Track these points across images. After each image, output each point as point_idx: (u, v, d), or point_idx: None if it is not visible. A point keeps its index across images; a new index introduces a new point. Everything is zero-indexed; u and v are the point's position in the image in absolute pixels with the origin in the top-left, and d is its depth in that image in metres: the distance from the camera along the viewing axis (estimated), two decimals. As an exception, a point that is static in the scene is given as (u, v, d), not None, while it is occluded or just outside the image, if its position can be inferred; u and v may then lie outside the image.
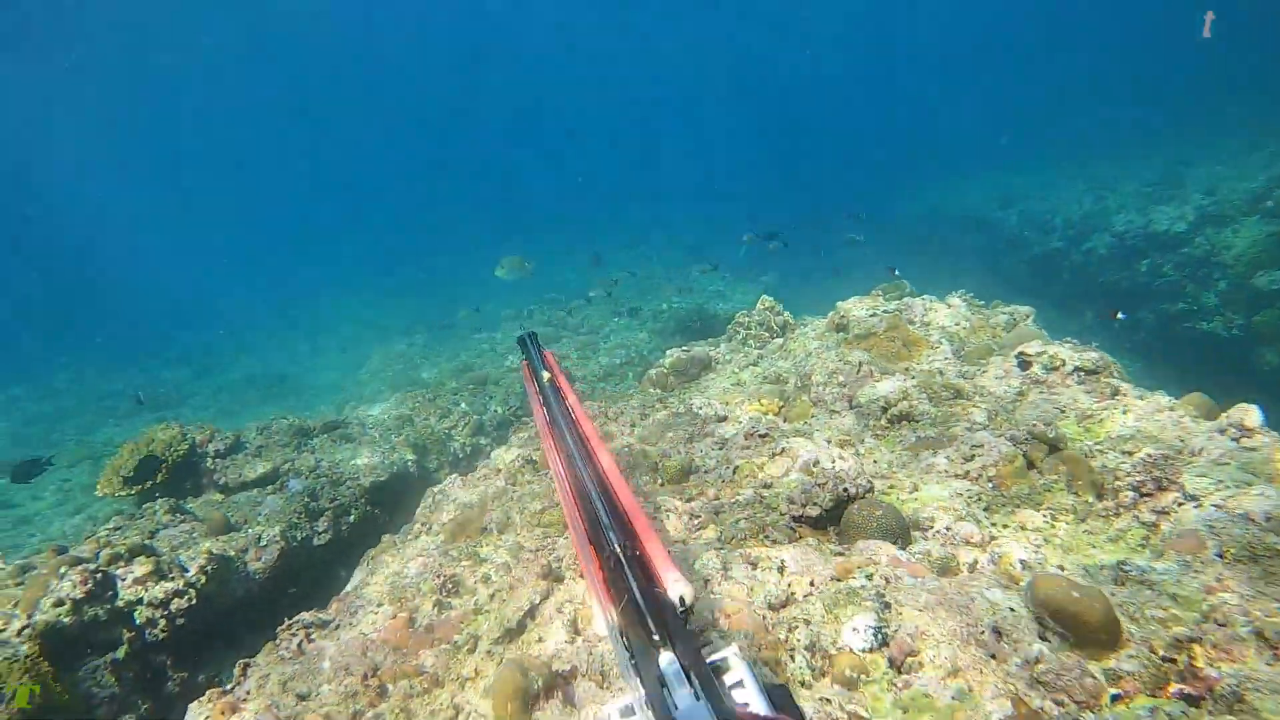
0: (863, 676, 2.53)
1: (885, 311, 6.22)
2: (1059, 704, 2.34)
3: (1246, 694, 2.20)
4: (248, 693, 3.15)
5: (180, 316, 28.67)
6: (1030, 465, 4.03)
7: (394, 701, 2.79)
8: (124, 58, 44.07)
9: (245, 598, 5.65)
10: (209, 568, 5.29)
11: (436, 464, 7.64)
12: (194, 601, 5.09)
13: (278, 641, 3.49)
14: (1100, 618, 2.52)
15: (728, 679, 1.05)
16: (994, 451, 4.03)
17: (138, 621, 4.93)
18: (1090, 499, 3.75)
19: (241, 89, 58.76)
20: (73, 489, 11.38)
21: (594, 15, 60.38)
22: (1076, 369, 4.75)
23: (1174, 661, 2.41)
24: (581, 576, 3.03)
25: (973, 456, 4.07)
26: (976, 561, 3.25)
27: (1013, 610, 2.71)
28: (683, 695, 0.93)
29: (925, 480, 4.03)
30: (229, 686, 3.22)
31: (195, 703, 3.16)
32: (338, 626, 3.46)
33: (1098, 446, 4.07)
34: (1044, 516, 3.67)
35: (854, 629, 2.67)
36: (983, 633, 2.62)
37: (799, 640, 2.69)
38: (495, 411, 8.87)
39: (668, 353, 6.84)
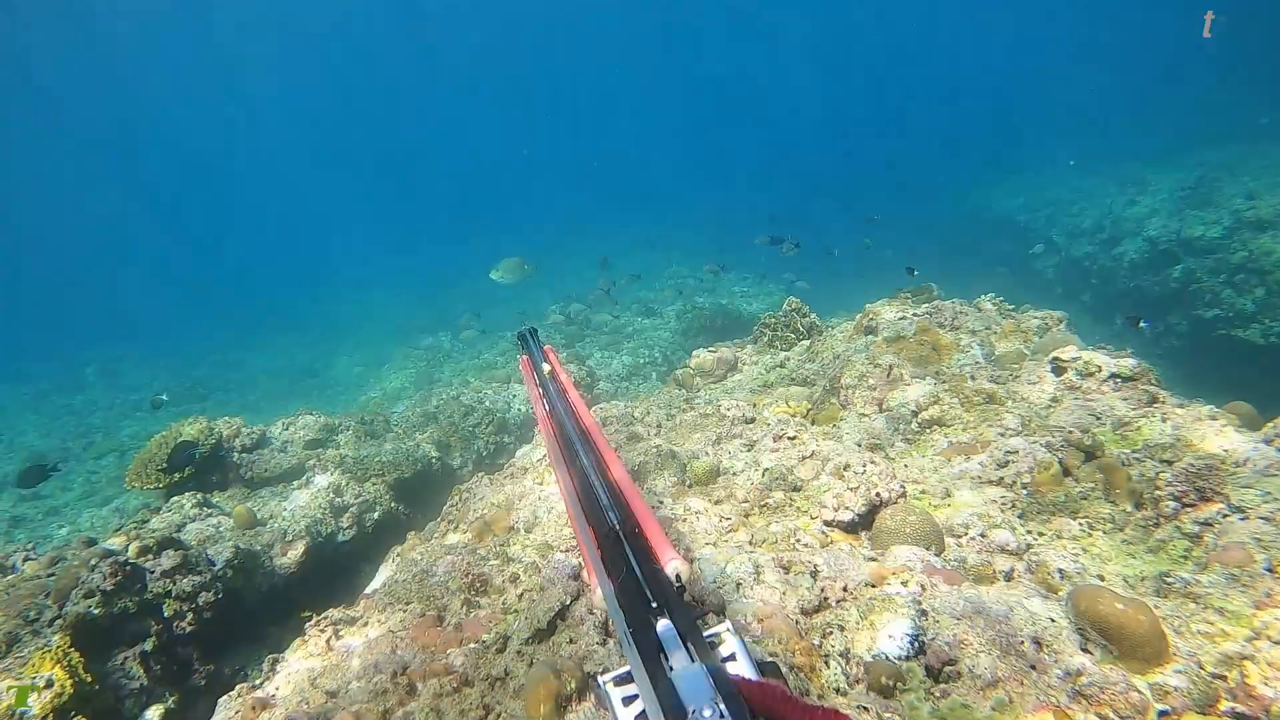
0: (899, 685, 2.48)
1: (915, 315, 6.15)
2: (1102, 718, 2.29)
3: (1304, 714, 2.14)
4: (276, 688, 3.15)
5: (206, 312, 29.04)
6: (1066, 472, 3.96)
7: (424, 700, 2.77)
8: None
9: (270, 592, 5.69)
10: (236, 562, 5.33)
11: (460, 461, 7.64)
12: (221, 595, 5.12)
13: (306, 637, 3.50)
14: (1145, 631, 2.46)
15: (721, 651, 1.10)
16: (1029, 458, 3.96)
17: (166, 614, 4.97)
18: (1128, 508, 3.68)
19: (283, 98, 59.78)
20: (100, 481, 11.54)
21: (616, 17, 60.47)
22: (1113, 375, 4.65)
23: (1224, 679, 2.34)
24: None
25: (1007, 463, 3.99)
26: (1013, 570, 3.19)
27: (1053, 621, 2.65)
28: (678, 658, 0.95)
29: (958, 486, 3.97)
30: (258, 682, 3.23)
31: (225, 697, 3.16)
32: (366, 624, 3.45)
33: (1135, 455, 3.98)
34: (1081, 525, 3.60)
35: (890, 636, 2.62)
36: (1022, 643, 2.56)
37: (834, 646, 2.65)
38: (518, 410, 8.88)
39: (694, 353, 6.81)
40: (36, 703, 4.00)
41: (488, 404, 8.71)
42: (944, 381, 4.99)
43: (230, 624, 5.28)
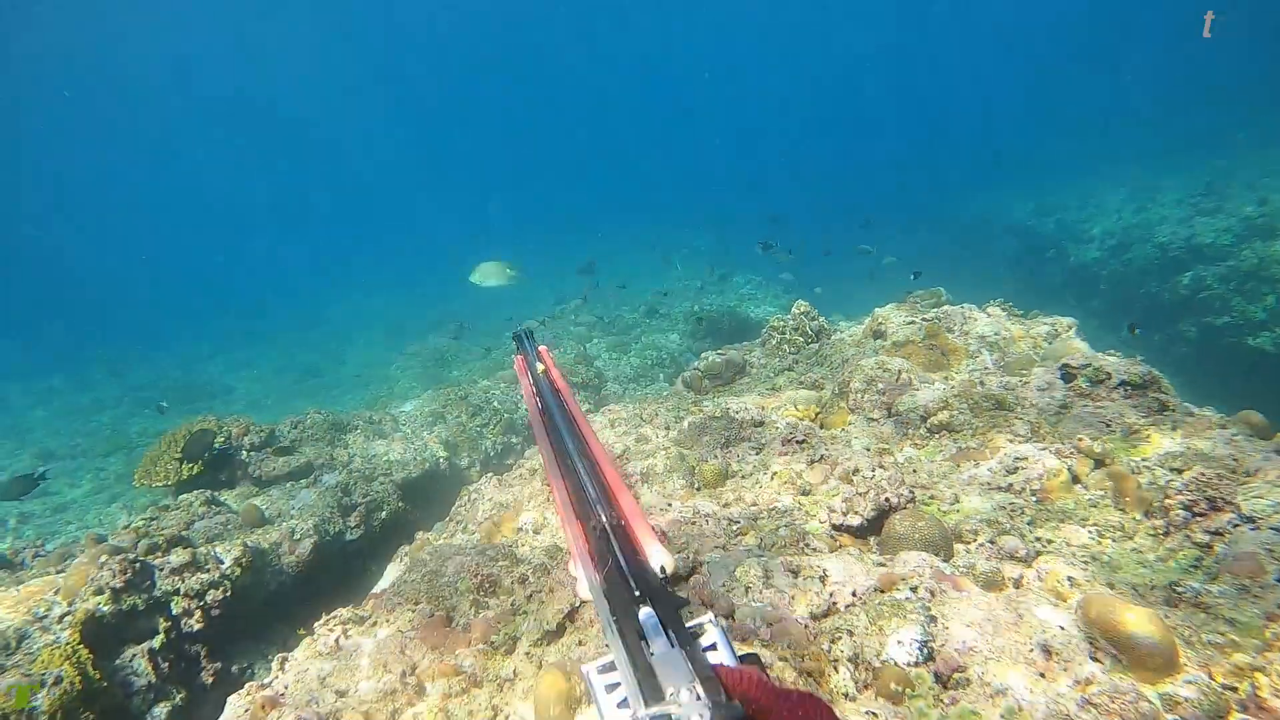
0: (908, 691, 2.48)
1: (924, 319, 6.14)
2: (1112, 727, 2.28)
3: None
4: (286, 687, 3.16)
5: (215, 310, 29.16)
6: (1075, 480, 3.95)
7: (433, 701, 2.79)
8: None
9: (278, 591, 5.70)
10: (244, 560, 5.34)
11: (468, 461, 7.66)
12: (229, 593, 5.14)
13: (315, 636, 3.51)
14: (1156, 641, 2.45)
15: (703, 641, 1.11)
16: (1038, 465, 3.96)
17: (174, 612, 4.99)
18: (1138, 516, 3.67)
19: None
20: (108, 478, 11.59)
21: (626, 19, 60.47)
22: (1123, 383, 4.64)
23: (1235, 690, 2.34)
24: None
25: (1016, 469, 3.99)
26: (1023, 577, 3.18)
27: (1063, 629, 2.65)
28: (659, 643, 0.97)
29: (967, 492, 3.96)
30: (268, 680, 3.24)
31: (234, 695, 3.18)
32: (375, 623, 3.46)
33: (1145, 463, 3.98)
34: (1090, 533, 3.59)
35: (899, 642, 2.62)
36: (1031, 651, 2.56)
37: (842, 651, 2.64)
38: (526, 410, 8.85)
39: (702, 355, 6.80)
40: (45, 699, 4.03)
41: (495, 404, 8.73)
42: (953, 387, 4.98)
43: (238, 622, 5.30)
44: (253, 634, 5.54)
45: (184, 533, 5.57)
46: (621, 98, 74.66)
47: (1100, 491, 3.83)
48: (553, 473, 1.73)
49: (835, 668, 2.59)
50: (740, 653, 1.12)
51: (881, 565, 3.17)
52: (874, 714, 2.37)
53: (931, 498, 3.95)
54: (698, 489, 4.29)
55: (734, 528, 3.60)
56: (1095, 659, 2.52)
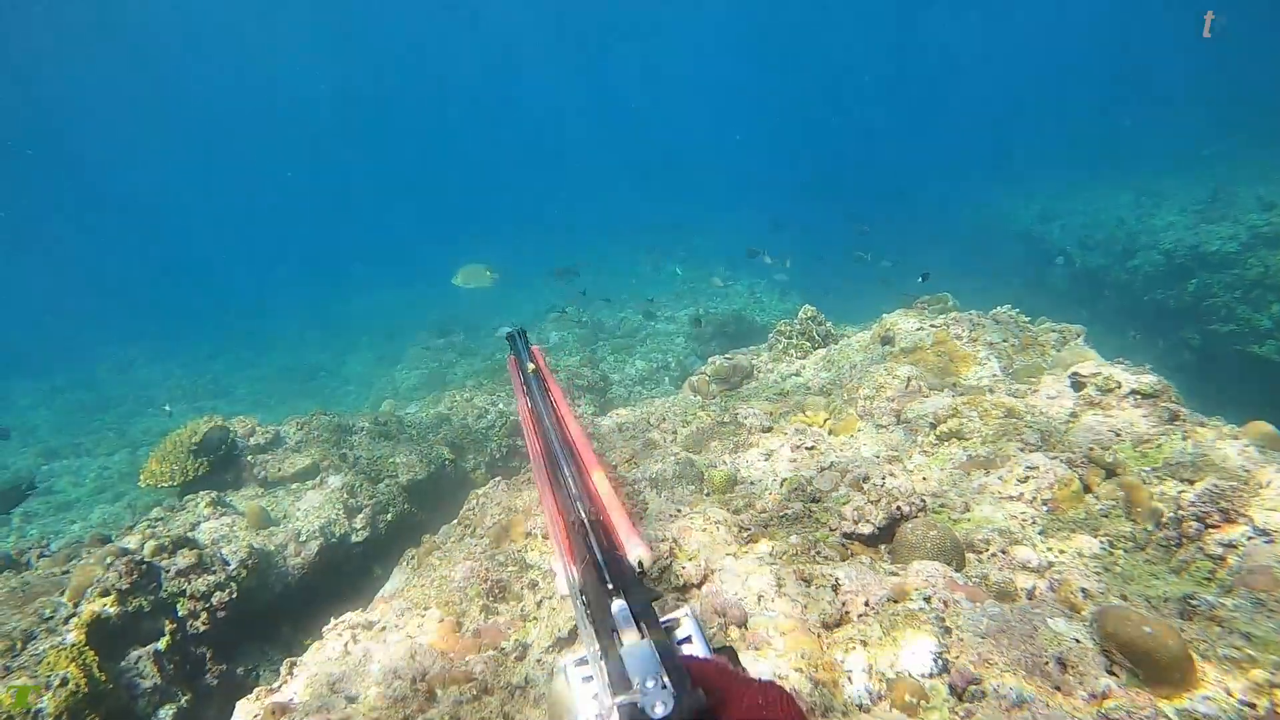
0: (923, 703, 2.47)
1: (932, 325, 6.13)
2: (1129, 742, 2.27)
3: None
4: (295, 692, 3.15)
5: (221, 309, 29.17)
6: (1087, 489, 3.94)
7: (443, 708, 2.78)
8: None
9: (284, 593, 5.70)
10: (250, 562, 5.34)
11: (473, 463, 7.64)
12: (235, 595, 5.13)
13: (324, 641, 3.50)
14: (1173, 655, 2.44)
15: (678, 634, 1.15)
16: (1049, 474, 3.94)
17: (180, 613, 4.98)
18: (1149, 527, 3.65)
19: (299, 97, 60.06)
20: (112, 477, 11.59)
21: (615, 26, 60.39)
22: (1133, 392, 4.62)
23: (1254, 707, 2.32)
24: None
25: (1027, 478, 3.98)
26: (1035, 588, 3.17)
27: (1078, 641, 2.63)
28: (629, 635, 0.99)
29: (978, 500, 3.95)
30: (276, 685, 3.23)
31: (243, 700, 3.16)
32: (384, 628, 3.45)
33: (1155, 473, 3.96)
34: (1101, 543, 3.57)
35: (913, 653, 2.61)
36: (1047, 663, 2.54)
37: (856, 662, 2.63)
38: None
39: (710, 360, 6.79)
40: (51, 701, 4.02)
41: (500, 406, 8.71)
42: (962, 394, 4.97)
43: (243, 624, 5.29)
44: (258, 636, 5.53)
45: (190, 534, 5.56)
46: (624, 100, 74.77)
47: (1111, 502, 3.81)
48: (537, 469, 1.78)
49: (850, 678, 2.58)
50: (716, 646, 1.15)
51: (894, 574, 3.15)
52: (889, 726, 2.35)
53: (942, 506, 3.93)
54: (707, 495, 4.28)
55: (745, 535, 3.58)
56: (1111, 672, 2.51)
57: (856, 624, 2.82)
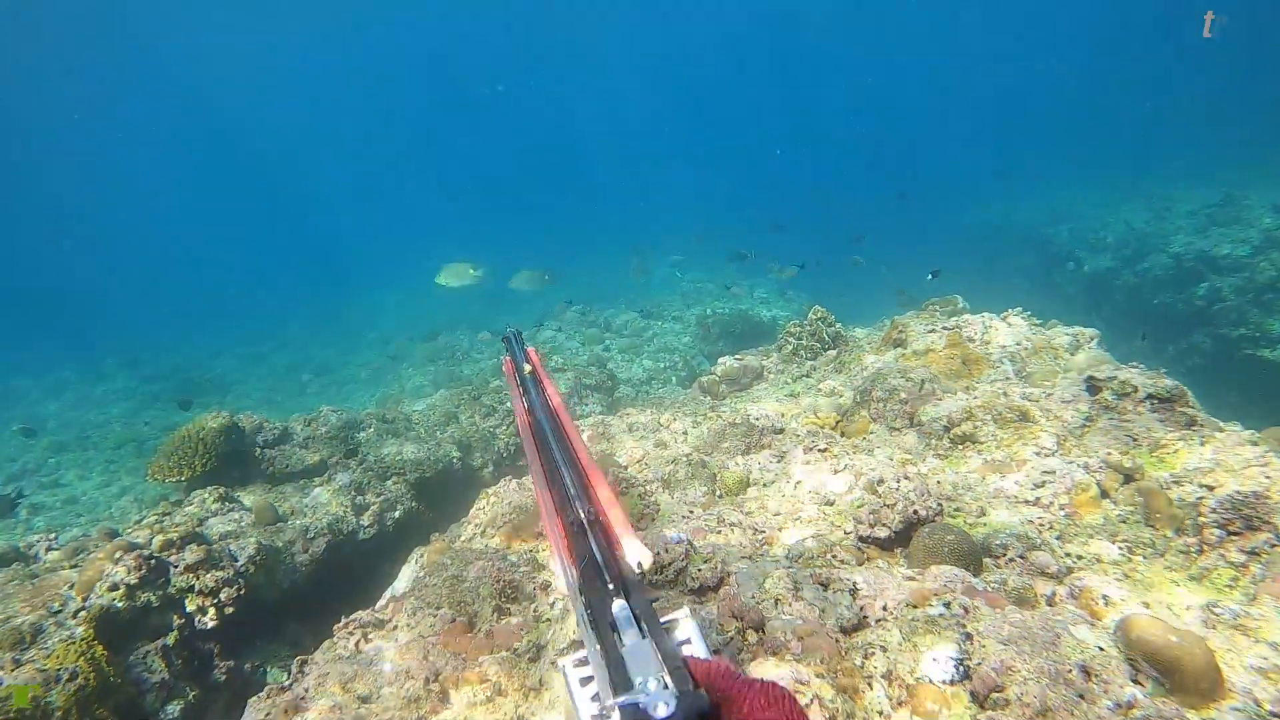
0: (944, 710, 2.43)
1: (944, 328, 6.08)
2: (1156, 753, 2.23)
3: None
4: (306, 690, 3.13)
5: (227, 304, 29.23)
6: (1104, 495, 3.90)
7: (457, 709, 2.75)
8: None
9: (291, 589, 5.68)
10: (259, 558, 5.32)
11: (481, 461, 7.62)
12: (243, 591, 5.12)
13: (334, 639, 3.47)
14: (1201, 665, 2.40)
15: (677, 634, 1.15)
16: (1067, 479, 3.90)
17: (188, 609, 4.97)
18: (1169, 533, 3.61)
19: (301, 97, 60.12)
20: (119, 471, 11.59)
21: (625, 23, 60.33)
22: (1150, 396, 4.57)
23: (1282, 717, 2.29)
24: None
25: (1044, 483, 3.94)
26: (1055, 594, 3.13)
27: (1102, 650, 2.60)
28: (630, 635, 0.98)
29: (994, 505, 3.91)
30: (287, 683, 3.21)
31: (254, 698, 3.14)
32: (395, 627, 3.43)
33: (1174, 479, 3.91)
34: (1120, 549, 3.53)
35: (934, 659, 2.57)
36: (1070, 671, 2.50)
37: (876, 668, 2.60)
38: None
39: (720, 360, 6.76)
40: (59, 695, 4.01)
41: (508, 404, 8.67)
42: (976, 397, 4.93)
43: (251, 620, 5.27)
44: (265, 632, 5.52)
45: (198, 529, 5.55)
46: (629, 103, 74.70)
47: (1130, 507, 3.77)
48: (535, 471, 1.79)
49: (870, 684, 2.54)
50: (715, 646, 1.13)
51: (911, 579, 3.12)
52: (911, 734, 2.32)
53: (957, 510, 3.90)
54: (719, 496, 4.25)
55: (759, 537, 3.55)
56: (1137, 681, 2.47)
57: (875, 629, 2.79)
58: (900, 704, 2.49)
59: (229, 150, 64.08)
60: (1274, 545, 3.19)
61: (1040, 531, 3.65)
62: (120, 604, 4.67)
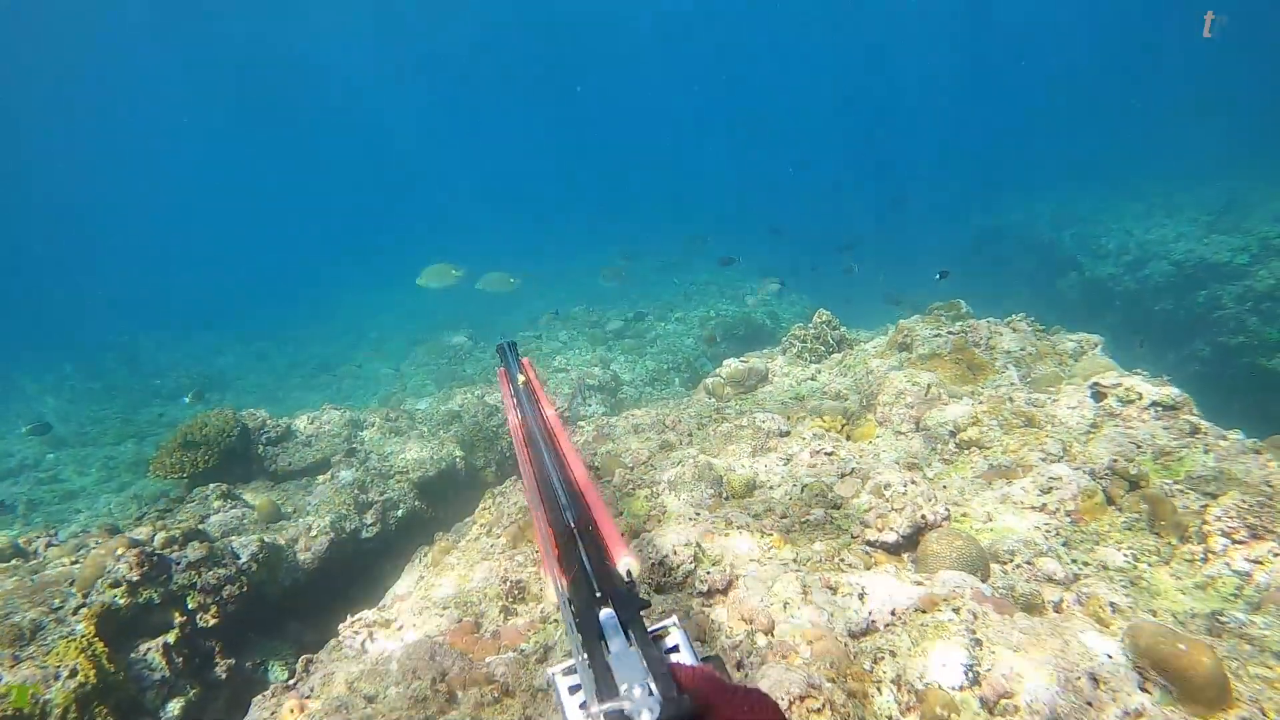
0: (953, 715, 2.44)
1: (950, 333, 6.09)
2: (1164, 760, 2.24)
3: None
4: (312, 688, 3.12)
5: (227, 301, 29.18)
6: (1110, 501, 3.90)
7: (465, 709, 2.74)
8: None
9: (293, 587, 5.66)
10: (261, 556, 5.30)
11: (484, 462, 7.60)
12: (245, 589, 5.10)
13: (340, 638, 3.47)
14: (1208, 673, 2.41)
15: (666, 642, 1.16)
16: (1073, 485, 3.91)
17: (190, 606, 4.94)
18: (1173, 540, 3.62)
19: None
20: (118, 467, 11.56)
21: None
22: (1154, 404, 4.58)
23: (1293, 725, 2.29)
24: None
25: (1050, 489, 3.94)
26: (1062, 601, 3.13)
27: (1110, 657, 2.60)
28: (616, 642, 1.00)
29: (1000, 511, 3.91)
30: (292, 681, 3.20)
31: (259, 696, 3.14)
32: (401, 627, 3.42)
33: (1177, 486, 3.92)
34: (1125, 556, 3.54)
35: (943, 664, 2.58)
36: (1079, 679, 2.51)
37: (885, 672, 2.60)
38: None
39: (725, 362, 6.76)
40: (59, 692, 3.99)
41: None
42: (982, 403, 4.93)
43: (252, 618, 5.25)
44: (267, 630, 5.50)
45: (200, 526, 5.53)
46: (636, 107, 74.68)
47: (1135, 514, 3.78)
48: (527, 480, 1.78)
49: (879, 688, 2.55)
50: (704, 655, 1.15)
51: (919, 584, 3.12)
52: (922, 739, 2.32)
53: (964, 515, 3.90)
54: (726, 499, 4.25)
55: (766, 541, 3.55)
56: (1144, 689, 2.48)
57: (884, 634, 2.79)
58: (909, 709, 2.49)
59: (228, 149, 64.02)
60: (1278, 554, 3.19)
61: (1047, 538, 3.65)
62: (122, 601, 4.64)
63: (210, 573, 5.04)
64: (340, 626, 3.54)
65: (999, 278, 18.75)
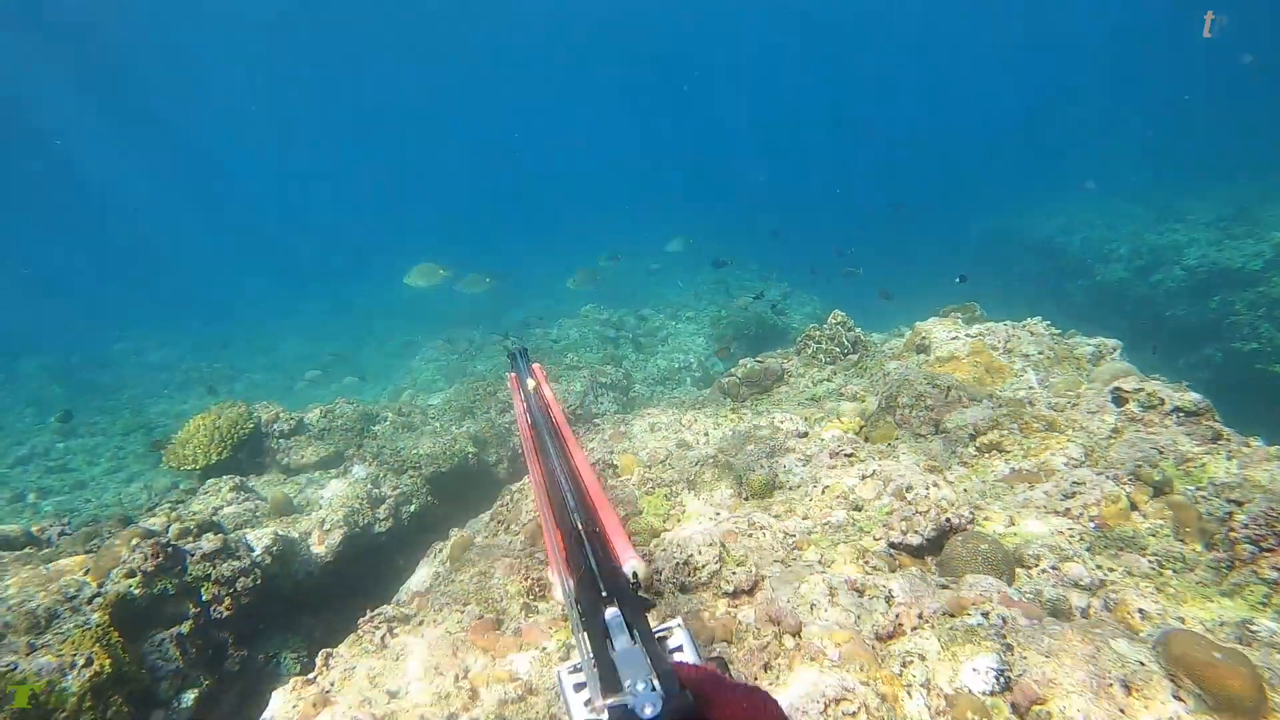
0: (984, 722, 2.41)
1: (967, 335, 6.06)
2: (1200, 771, 2.21)
3: None
4: (332, 683, 3.11)
5: (235, 295, 29.23)
6: (1133, 507, 3.87)
7: (488, 707, 2.73)
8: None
9: (305, 580, 5.66)
10: (275, 548, 5.31)
11: (496, 458, 7.59)
12: (259, 581, 5.10)
13: (360, 633, 3.46)
14: (1245, 683, 2.38)
15: (670, 643, 1.20)
16: (1096, 490, 3.87)
17: (204, 598, 4.95)
18: (1198, 548, 3.59)
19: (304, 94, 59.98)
20: (127, 457, 11.58)
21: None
22: (1176, 409, 4.55)
23: (1333, 738, 2.26)
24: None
25: (1074, 494, 3.91)
26: (1089, 606, 3.10)
27: (1142, 664, 2.57)
28: (621, 640, 1.02)
29: (1022, 515, 3.88)
30: (312, 676, 3.19)
31: (279, 690, 3.13)
32: (422, 623, 3.41)
33: (1200, 492, 3.89)
34: (1149, 562, 3.51)
35: (974, 669, 2.55)
36: (1111, 685, 2.48)
37: (915, 676, 2.58)
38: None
39: (741, 362, 6.73)
40: (75, 681, 3.99)
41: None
42: (1001, 406, 4.90)
43: (264, 611, 5.25)
44: (279, 623, 5.50)
45: (214, 518, 5.53)
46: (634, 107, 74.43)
47: (1160, 521, 3.75)
48: (536, 483, 1.82)
49: (909, 693, 2.52)
50: (707, 657, 1.21)
51: (945, 588, 3.09)
52: (955, 745, 2.30)
53: (986, 519, 3.87)
54: (746, 499, 4.23)
55: (790, 541, 3.53)
56: (1178, 698, 2.45)
57: (911, 637, 2.77)
58: (939, 713, 2.47)
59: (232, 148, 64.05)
60: (1309, 563, 3.16)
61: (1071, 542, 3.62)
62: (136, 591, 4.65)
63: (224, 564, 5.04)
64: (360, 621, 3.53)
65: (1009, 281, 18.69)
